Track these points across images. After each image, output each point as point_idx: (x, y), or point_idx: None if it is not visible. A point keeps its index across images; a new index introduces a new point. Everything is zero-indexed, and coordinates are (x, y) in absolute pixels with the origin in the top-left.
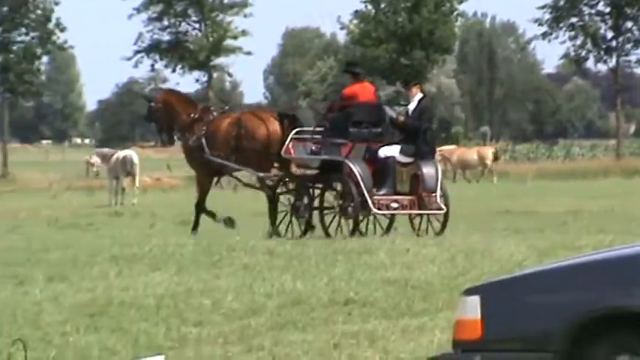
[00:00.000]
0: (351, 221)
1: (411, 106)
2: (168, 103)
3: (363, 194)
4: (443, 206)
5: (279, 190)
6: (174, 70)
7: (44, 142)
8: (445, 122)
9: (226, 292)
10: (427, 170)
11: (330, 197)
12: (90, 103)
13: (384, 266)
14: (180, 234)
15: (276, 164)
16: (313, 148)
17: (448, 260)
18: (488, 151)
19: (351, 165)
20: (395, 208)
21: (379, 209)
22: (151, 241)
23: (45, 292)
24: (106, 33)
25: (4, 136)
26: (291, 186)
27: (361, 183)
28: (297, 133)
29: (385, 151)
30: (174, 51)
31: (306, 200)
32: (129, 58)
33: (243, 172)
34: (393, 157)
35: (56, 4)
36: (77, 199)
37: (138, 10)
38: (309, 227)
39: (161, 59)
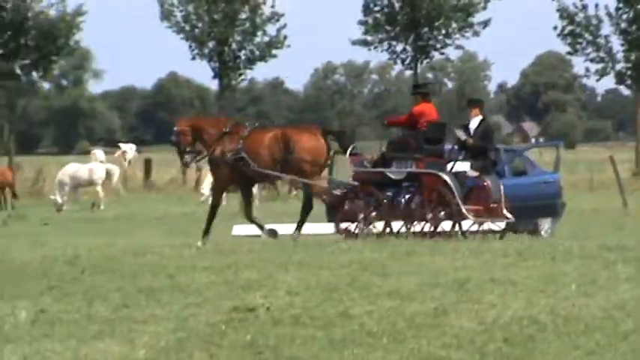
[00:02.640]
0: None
1: (472, 126)
2: (193, 125)
3: (458, 203)
4: (509, 215)
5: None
6: None
7: None
8: None
9: None
10: (493, 183)
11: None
12: None
13: None
14: None
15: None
16: (365, 163)
17: None
18: None
19: (445, 176)
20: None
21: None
22: None
23: None
24: None
25: None
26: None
27: (455, 193)
28: (352, 149)
29: (457, 167)
30: None
31: (377, 208)
32: None
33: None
34: (464, 172)
35: None
36: None
37: None
38: (385, 230)
39: None
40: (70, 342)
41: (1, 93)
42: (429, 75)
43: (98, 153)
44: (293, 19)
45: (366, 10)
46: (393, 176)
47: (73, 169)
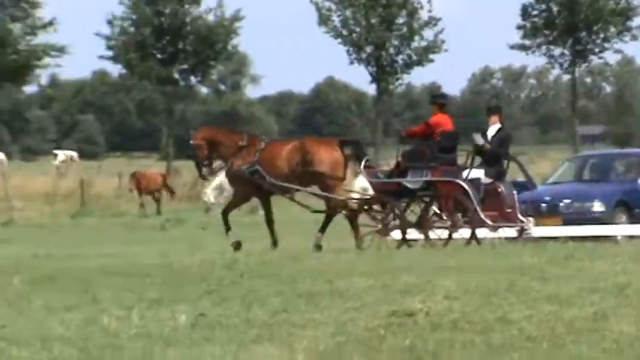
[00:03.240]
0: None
1: (490, 133)
2: (208, 138)
3: (476, 209)
4: (524, 219)
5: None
6: None
7: None
8: None
9: None
10: (506, 189)
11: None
12: None
13: None
14: None
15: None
16: (379, 174)
17: None
18: None
19: (463, 183)
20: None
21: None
22: None
23: None
24: None
25: None
26: (376, 207)
27: (474, 200)
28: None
29: (473, 174)
30: None
31: (396, 219)
32: None
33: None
34: (479, 179)
35: None
36: None
37: None
38: (404, 242)
39: None
40: (230, 346)
41: (159, 98)
42: (587, 79)
43: None
44: (451, 23)
45: (525, 14)
46: (410, 186)
47: None
